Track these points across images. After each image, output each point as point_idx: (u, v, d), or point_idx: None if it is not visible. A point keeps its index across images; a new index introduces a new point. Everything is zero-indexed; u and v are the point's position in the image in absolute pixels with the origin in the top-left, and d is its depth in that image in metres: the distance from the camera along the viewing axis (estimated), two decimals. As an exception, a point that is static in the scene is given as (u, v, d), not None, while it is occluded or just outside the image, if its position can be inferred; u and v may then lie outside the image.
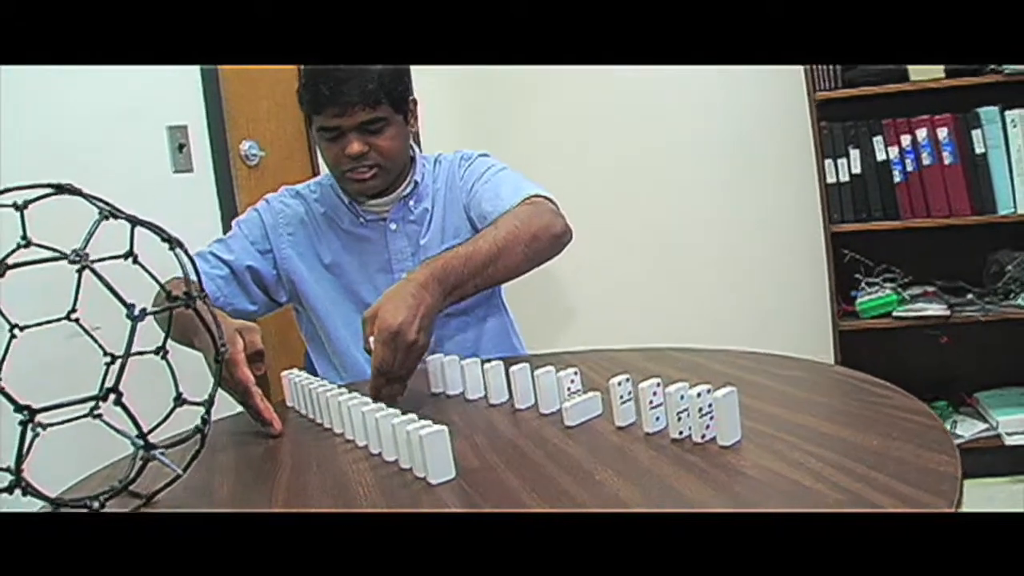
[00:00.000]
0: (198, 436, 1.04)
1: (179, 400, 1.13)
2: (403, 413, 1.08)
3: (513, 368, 1.25)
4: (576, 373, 1.19)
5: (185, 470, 1.02)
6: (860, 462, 0.87)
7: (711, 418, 1.00)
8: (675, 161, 2.98)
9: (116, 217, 0.99)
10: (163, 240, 1.02)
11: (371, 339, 1.26)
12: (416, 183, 1.74)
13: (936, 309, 2.57)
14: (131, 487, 1.03)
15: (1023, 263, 2.55)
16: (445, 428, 1.00)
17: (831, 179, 2.64)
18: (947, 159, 2.55)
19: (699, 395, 1.00)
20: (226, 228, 2.36)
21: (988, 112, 2.53)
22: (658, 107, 2.96)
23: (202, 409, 1.04)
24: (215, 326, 1.04)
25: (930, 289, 2.67)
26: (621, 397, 1.11)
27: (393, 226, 1.73)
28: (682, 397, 1.01)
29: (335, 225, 1.74)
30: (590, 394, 1.16)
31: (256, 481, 1.13)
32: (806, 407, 1.12)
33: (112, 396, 0.91)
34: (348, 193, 1.71)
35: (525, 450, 1.07)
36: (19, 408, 0.86)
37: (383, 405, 1.14)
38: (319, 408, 1.30)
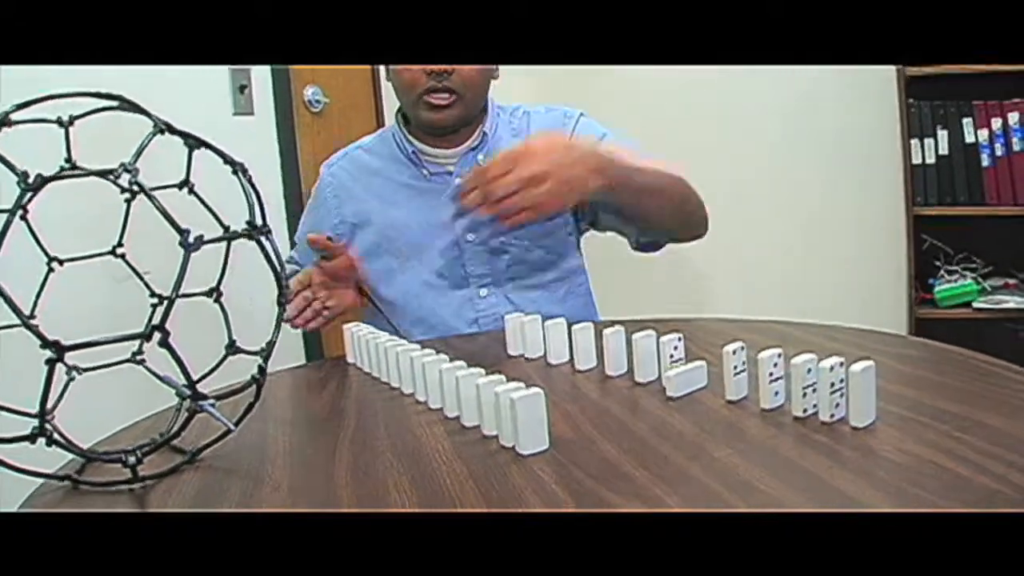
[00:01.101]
0: (253, 387, 0.88)
1: (232, 347, 0.99)
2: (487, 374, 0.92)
3: (606, 331, 1.08)
4: (680, 339, 1.02)
5: (237, 424, 0.86)
6: (1013, 451, 0.73)
7: (841, 395, 0.84)
8: (755, 134, 2.76)
9: (172, 132, 0.83)
10: (226, 163, 0.86)
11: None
12: (485, 134, 1.53)
13: (1018, 302, 2.37)
14: (174, 441, 0.88)
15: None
16: (541, 391, 0.83)
17: (916, 160, 2.43)
18: (1039, 145, 2.34)
19: (831, 368, 0.84)
20: (286, 177, 2.22)
21: (1085, 97, 2.32)
22: (736, 80, 2.74)
23: (258, 359, 0.88)
24: (278, 264, 0.87)
25: (1011, 281, 2.46)
26: (735, 367, 0.94)
27: (458, 180, 1.49)
28: (809, 370, 0.86)
29: (393, 180, 1.56)
30: (695, 363, 0.99)
31: (316, 438, 0.97)
32: (935, 387, 0.95)
33: (157, 336, 0.74)
34: (420, 124, 1.50)
35: (624, 421, 0.92)
36: (46, 344, 0.70)
37: (463, 363, 0.97)
38: (386, 365, 1.14)
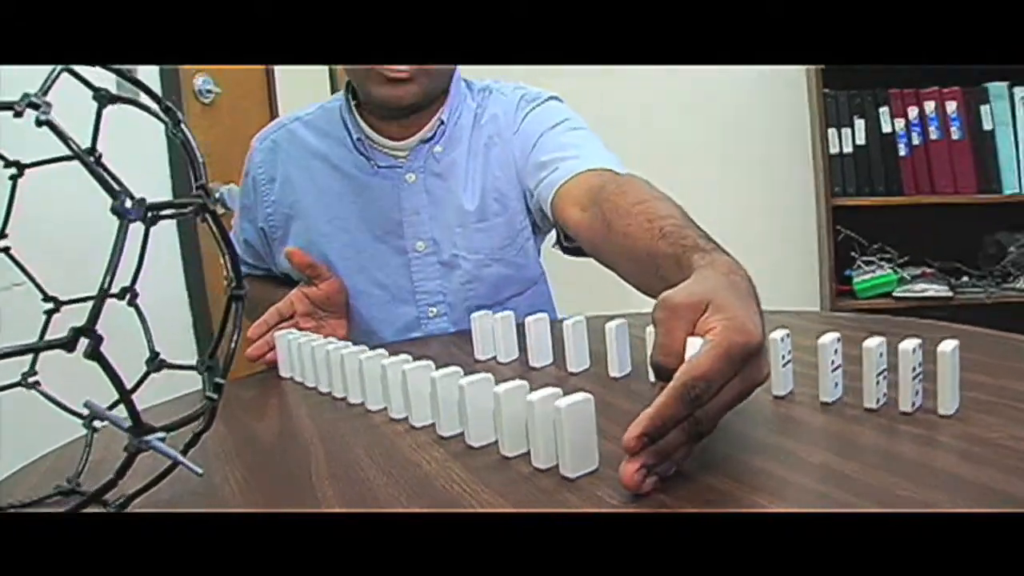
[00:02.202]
0: (203, 414, 0.64)
1: (156, 362, 0.75)
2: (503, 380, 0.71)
3: (608, 326, 0.89)
4: (788, 335, 0.83)
5: (171, 468, 0.62)
6: None
7: (920, 381, 0.70)
8: (669, 125, 2.61)
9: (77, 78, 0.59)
10: (162, 108, 0.63)
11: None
12: (443, 123, 1.25)
13: (938, 290, 2.29)
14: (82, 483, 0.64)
15: (1026, 245, 2.28)
16: (590, 397, 0.63)
17: (834, 150, 2.32)
18: (955, 134, 2.27)
19: (913, 351, 0.69)
20: (174, 172, 1.94)
21: (996, 87, 2.27)
22: (647, 74, 2.58)
23: (195, 374, 0.65)
24: (226, 242, 0.64)
25: (928, 270, 2.38)
26: (782, 357, 0.77)
27: (410, 177, 1.25)
28: (881, 355, 0.71)
29: (335, 168, 1.27)
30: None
31: (279, 473, 0.73)
32: (997, 369, 0.80)
33: (86, 343, 0.50)
34: (372, 101, 1.20)
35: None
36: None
37: (459, 369, 0.75)
38: (341, 376, 0.91)
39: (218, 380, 0.61)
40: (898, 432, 0.67)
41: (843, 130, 2.33)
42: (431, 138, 1.25)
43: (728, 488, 0.59)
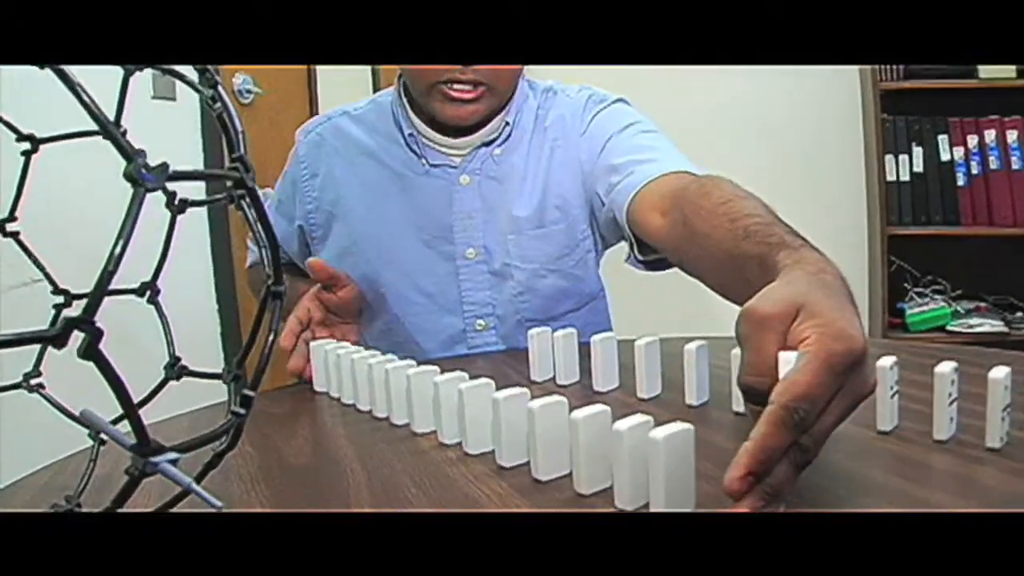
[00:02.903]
0: (228, 432, 0.53)
1: (177, 368, 0.65)
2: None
3: (688, 347, 0.77)
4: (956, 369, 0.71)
5: (198, 481, 0.51)
6: None
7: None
8: (722, 150, 2.48)
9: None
10: (198, 71, 0.52)
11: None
12: (508, 125, 1.14)
13: (993, 325, 2.15)
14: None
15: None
16: (691, 427, 0.51)
17: (891, 177, 2.19)
18: (1015, 164, 2.14)
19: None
20: (211, 215, 1.85)
21: (1059, 116, 2.13)
22: (705, 88, 2.46)
23: (223, 384, 0.54)
24: (265, 228, 0.53)
25: (982, 304, 2.25)
26: (890, 388, 0.66)
27: (464, 179, 1.14)
28: (1006, 387, 0.60)
29: (384, 165, 1.16)
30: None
31: (312, 500, 0.62)
32: None
33: (80, 337, 0.39)
34: (437, 117, 1.10)
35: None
36: None
37: (525, 390, 0.64)
38: (385, 392, 0.80)
39: (247, 392, 0.50)
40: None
41: (900, 157, 2.21)
42: (493, 140, 1.14)
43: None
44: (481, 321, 1.15)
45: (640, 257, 1.07)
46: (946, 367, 0.62)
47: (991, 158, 2.16)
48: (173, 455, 0.43)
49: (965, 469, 0.58)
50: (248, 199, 0.52)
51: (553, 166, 1.15)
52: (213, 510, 0.43)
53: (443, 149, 1.14)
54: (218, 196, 0.57)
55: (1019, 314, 2.23)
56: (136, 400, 0.48)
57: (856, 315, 0.54)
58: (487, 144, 1.14)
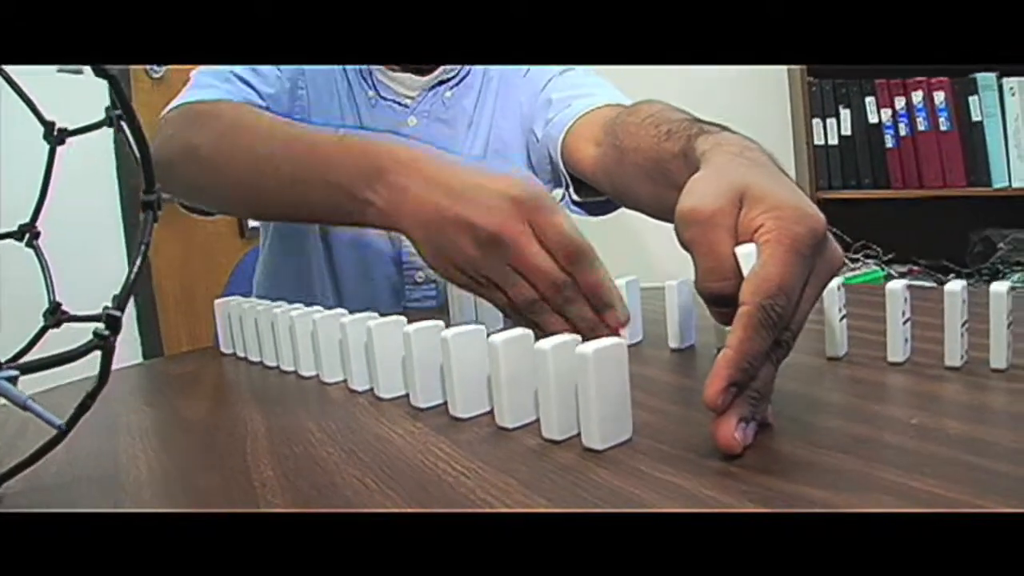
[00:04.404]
0: (96, 358, 0.46)
1: (57, 313, 0.58)
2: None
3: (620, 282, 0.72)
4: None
5: (69, 426, 0.45)
6: None
7: (1011, 332, 0.56)
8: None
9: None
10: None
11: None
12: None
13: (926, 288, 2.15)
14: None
15: (1017, 241, 2.15)
16: (623, 341, 0.46)
17: (819, 141, 2.18)
18: (943, 125, 2.14)
19: (1007, 292, 0.55)
20: (118, 150, 1.74)
21: (985, 78, 2.13)
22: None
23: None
24: (139, 141, 0.47)
25: (915, 268, 2.24)
26: (839, 311, 0.63)
27: (412, 120, 1.08)
28: (963, 301, 0.56)
29: (347, 95, 1.08)
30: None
31: (206, 453, 0.55)
32: None
33: None
34: None
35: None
36: None
37: (438, 323, 0.58)
38: (291, 343, 0.73)
39: (112, 312, 0.43)
40: (1001, 390, 0.52)
41: (827, 120, 2.19)
42: (449, 79, 1.09)
43: (841, 462, 0.43)
44: (420, 273, 1.09)
45: (575, 199, 1.02)
46: (897, 284, 0.59)
47: (919, 119, 2.15)
48: (12, 372, 0.36)
49: (923, 386, 0.54)
50: (124, 118, 0.46)
51: (496, 110, 1.11)
52: (57, 427, 0.37)
53: (395, 85, 1.08)
54: (98, 121, 0.53)
55: (952, 276, 2.23)
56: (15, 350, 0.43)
57: (800, 189, 0.50)
58: (441, 83, 1.08)
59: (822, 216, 0.46)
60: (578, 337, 0.48)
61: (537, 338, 0.49)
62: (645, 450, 0.46)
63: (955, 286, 0.56)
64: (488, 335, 0.52)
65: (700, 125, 0.65)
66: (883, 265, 2.21)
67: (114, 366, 0.44)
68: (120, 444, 0.58)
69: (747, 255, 0.45)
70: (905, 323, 0.60)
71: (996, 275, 2.18)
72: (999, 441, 0.44)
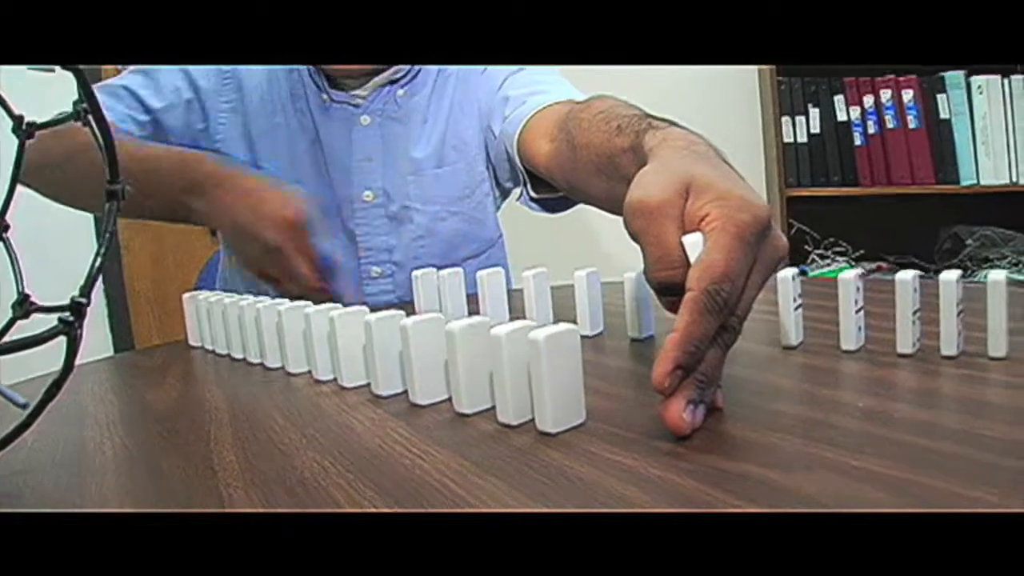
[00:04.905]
0: (61, 344, 0.47)
1: (26, 305, 0.58)
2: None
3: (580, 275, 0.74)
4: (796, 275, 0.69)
5: (34, 414, 0.46)
6: None
7: (963, 319, 0.58)
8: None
9: None
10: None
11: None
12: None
13: (894, 286, 2.18)
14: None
15: (985, 237, 2.18)
16: (575, 328, 0.48)
17: (788, 139, 2.21)
18: (911, 123, 2.17)
19: (957, 281, 0.57)
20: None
21: (953, 76, 2.17)
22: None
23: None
24: (104, 136, 0.49)
25: (884, 264, 2.28)
26: (793, 300, 0.65)
27: (365, 119, 1.10)
28: (915, 290, 0.59)
29: (297, 101, 1.10)
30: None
31: (171, 441, 0.57)
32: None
33: None
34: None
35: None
36: None
37: (400, 312, 0.60)
38: (257, 335, 0.74)
39: (78, 299, 0.44)
40: (950, 375, 0.54)
41: (797, 118, 2.22)
42: (400, 79, 1.11)
43: (787, 443, 0.45)
44: (376, 268, 1.11)
45: (533, 195, 1.04)
46: (849, 274, 0.61)
47: (887, 117, 2.19)
48: None
49: (874, 372, 0.57)
50: (91, 114, 0.48)
51: (454, 107, 1.13)
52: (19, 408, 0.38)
53: (343, 87, 1.10)
54: (66, 114, 0.54)
55: (922, 274, 2.27)
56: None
57: (744, 180, 0.52)
58: (392, 83, 1.10)
59: (766, 205, 0.48)
60: (532, 323, 0.50)
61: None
62: (597, 433, 0.48)
63: (906, 275, 0.58)
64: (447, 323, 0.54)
65: (649, 120, 0.68)
66: (852, 262, 2.25)
67: (84, 360, 0.45)
68: (87, 431, 0.59)
69: (694, 244, 0.46)
70: (858, 312, 0.62)
71: (964, 272, 2.21)
72: (940, 422, 0.45)
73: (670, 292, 0.48)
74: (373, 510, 0.40)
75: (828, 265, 2.25)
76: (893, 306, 0.59)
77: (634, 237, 0.50)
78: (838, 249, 2.30)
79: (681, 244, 0.47)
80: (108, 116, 0.97)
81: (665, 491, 0.39)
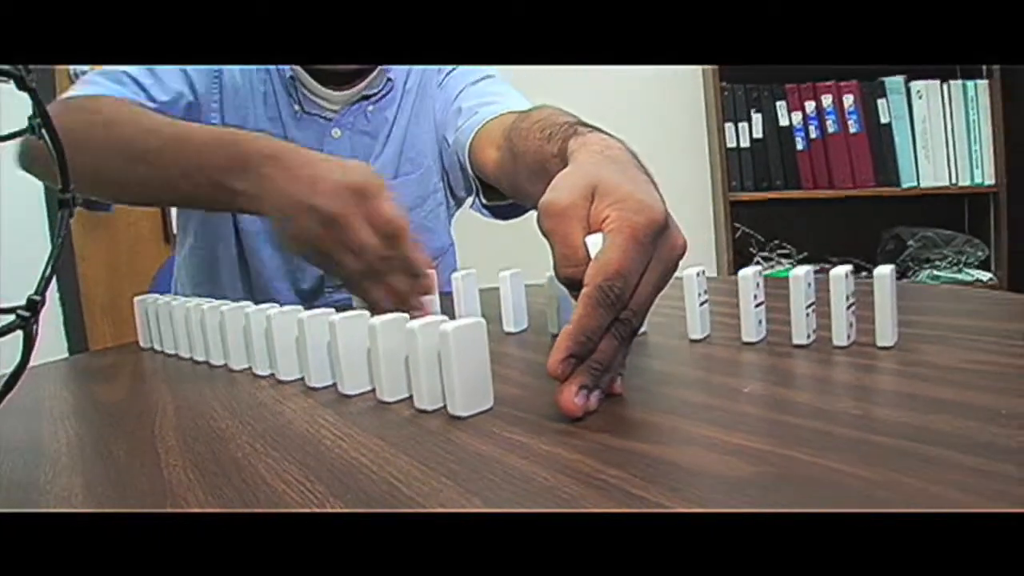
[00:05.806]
0: (17, 339, 0.53)
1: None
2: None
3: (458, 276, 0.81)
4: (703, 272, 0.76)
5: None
6: None
7: (854, 312, 0.65)
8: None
9: None
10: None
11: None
12: (390, 80, 1.18)
13: (836, 286, 2.27)
14: None
15: (926, 239, 2.28)
16: (482, 320, 0.54)
17: (731, 144, 2.29)
18: (852, 128, 2.26)
19: (846, 276, 0.64)
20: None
21: (893, 82, 2.27)
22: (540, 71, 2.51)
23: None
24: (54, 141, 0.54)
25: (827, 266, 2.36)
26: (698, 296, 0.72)
27: (336, 132, 1.16)
28: (809, 284, 0.65)
29: (269, 108, 1.15)
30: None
31: (119, 429, 0.62)
32: (931, 310, 0.74)
33: None
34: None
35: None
36: None
37: (331, 309, 0.66)
38: (201, 334, 0.80)
39: (32, 296, 0.50)
40: (837, 363, 0.61)
41: (740, 124, 2.31)
42: (375, 95, 1.17)
43: (672, 423, 0.51)
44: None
45: (485, 202, 1.10)
46: (749, 271, 0.67)
47: (828, 122, 2.28)
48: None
49: (768, 361, 0.63)
50: (44, 125, 0.53)
51: (411, 119, 1.19)
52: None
53: (319, 100, 1.15)
54: (22, 128, 0.58)
55: (863, 274, 2.36)
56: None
57: (651, 183, 0.58)
58: (365, 98, 1.16)
59: (662, 207, 0.54)
60: (445, 317, 0.56)
61: (372, 312, 0.58)
62: (502, 416, 0.54)
63: (799, 271, 0.65)
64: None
65: (576, 127, 0.73)
66: (795, 264, 2.33)
67: (40, 361, 0.51)
68: (43, 423, 0.65)
69: (595, 243, 0.53)
70: (758, 306, 0.68)
71: (906, 272, 2.30)
72: (807, 402, 0.52)
73: (576, 288, 0.54)
74: (293, 480, 0.46)
75: (772, 267, 2.33)
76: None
77: (545, 236, 0.56)
78: (782, 251, 2.38)
79: (585, 244, 0.53)
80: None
81: (551, 462, 0.45)
